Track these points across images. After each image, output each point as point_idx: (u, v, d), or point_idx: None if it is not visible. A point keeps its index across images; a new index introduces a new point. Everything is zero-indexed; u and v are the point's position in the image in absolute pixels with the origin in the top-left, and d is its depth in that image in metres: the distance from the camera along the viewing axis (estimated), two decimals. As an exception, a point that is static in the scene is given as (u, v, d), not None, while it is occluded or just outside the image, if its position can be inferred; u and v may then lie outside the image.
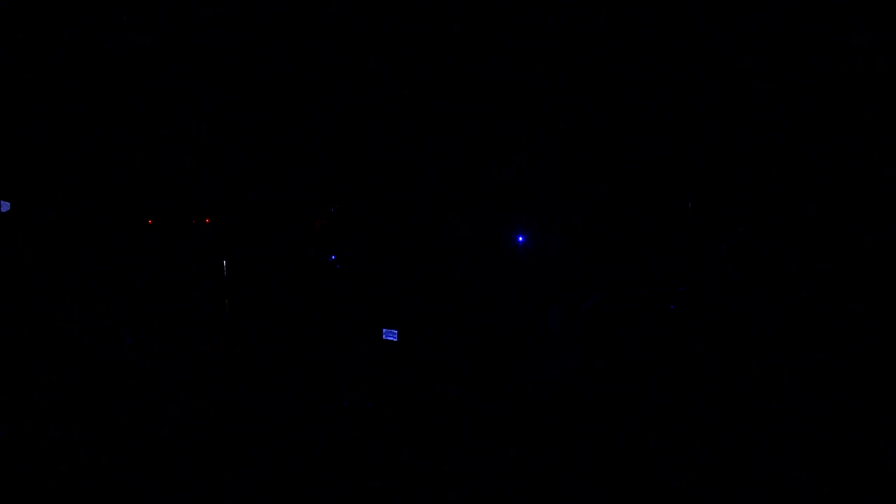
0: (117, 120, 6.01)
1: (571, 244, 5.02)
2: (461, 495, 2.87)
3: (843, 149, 5.37)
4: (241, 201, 5.41)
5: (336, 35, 6.30)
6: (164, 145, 5.84)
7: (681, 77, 6.11)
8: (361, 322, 5.32)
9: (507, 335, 4.51)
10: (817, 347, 4.72)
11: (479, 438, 2.94)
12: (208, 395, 4.56)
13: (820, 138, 5.41)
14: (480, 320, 5.12)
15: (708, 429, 3.65)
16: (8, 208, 4.88)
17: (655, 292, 5.28)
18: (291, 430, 3.35)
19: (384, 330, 5.17)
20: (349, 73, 6.34)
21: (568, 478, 2.88)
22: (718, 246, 5.30)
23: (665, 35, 6.14)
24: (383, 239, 5.90)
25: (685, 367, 4.80)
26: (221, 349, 5.17)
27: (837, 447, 3.45)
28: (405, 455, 3.20)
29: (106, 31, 5.77)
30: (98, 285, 4.80)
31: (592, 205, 4.83)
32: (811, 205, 5.04)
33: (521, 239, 4.43)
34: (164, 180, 5.78)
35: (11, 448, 3.26)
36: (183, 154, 5.63)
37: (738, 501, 2.96)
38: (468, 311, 5.25)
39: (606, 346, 5.32)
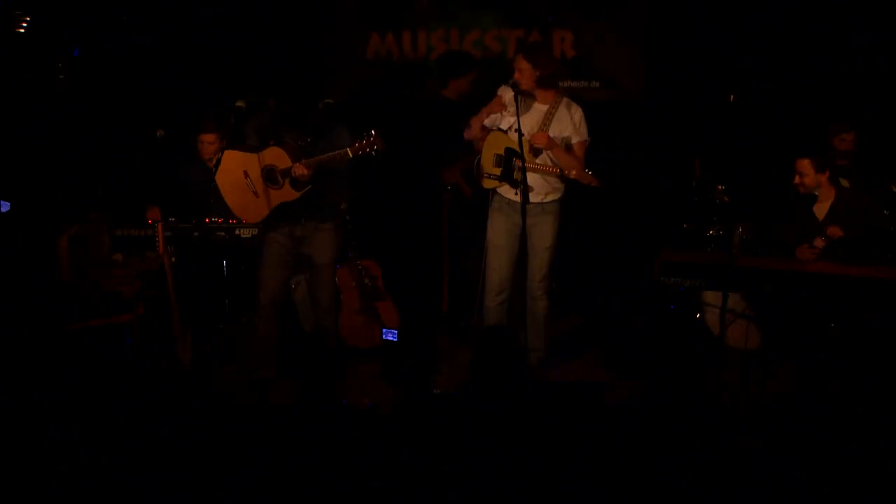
0: (117, 119, 6.01)
1: (571, 242, 5.02)
2: (461, 495, 2.87)
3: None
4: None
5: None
6: (164, 145, 5.84)
7: (680, 76, 6.12)
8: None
9: (507, 334, 4.50)
10: (818, 347, 4.72)
11: (480, 438, 2.94)
12: (207, 394, 4.56)
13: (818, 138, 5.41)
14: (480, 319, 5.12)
15: (709, 430, 3.64)
16: (8, 208, 4.88)
17: (656, 292, 5.28)
18: (291, 430, 3.34)
19: (384, 330, 5.17)
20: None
21: (568, 478, 2.88)
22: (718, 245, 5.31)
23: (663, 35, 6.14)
24: (383, 239, 5.90)
25: (686, 367, 4.81)
26: (221, 348, 5.17)
27: (840, 449, 3.44)
28: (405, 455, 3.20)
29: (106, 31, 5.78)
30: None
31: (593, 203, 4.82)
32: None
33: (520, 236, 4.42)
34: (164, 179, 5.79)
35: (11, 448, 3.26)
36: (182, 153, 5.64)
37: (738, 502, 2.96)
38: (468, 310, 5.23)
39: (607, 347, 5.33)
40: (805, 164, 4.77)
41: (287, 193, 4.32)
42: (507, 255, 4.58)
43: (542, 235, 4.55)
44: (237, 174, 4.35)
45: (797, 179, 4.80)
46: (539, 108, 4.46)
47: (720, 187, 5.26)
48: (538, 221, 4.53)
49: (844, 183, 5.12)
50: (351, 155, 4.15)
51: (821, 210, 4.82)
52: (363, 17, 6.26)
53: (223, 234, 5.01)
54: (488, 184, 4.58)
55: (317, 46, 6.32)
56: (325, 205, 4.51)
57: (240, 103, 4.41)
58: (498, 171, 4.53)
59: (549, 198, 4.53)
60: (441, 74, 5.49)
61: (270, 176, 4.32)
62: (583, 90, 6.23)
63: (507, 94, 4.41)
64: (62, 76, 5.58)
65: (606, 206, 6.40)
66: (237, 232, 4.86)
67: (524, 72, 4.36)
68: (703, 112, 5.85)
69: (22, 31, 5.06)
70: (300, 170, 4.21)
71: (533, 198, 4.43)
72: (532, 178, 4.41)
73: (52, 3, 5.24)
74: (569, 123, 4.46)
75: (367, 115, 6.31)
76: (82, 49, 5.57)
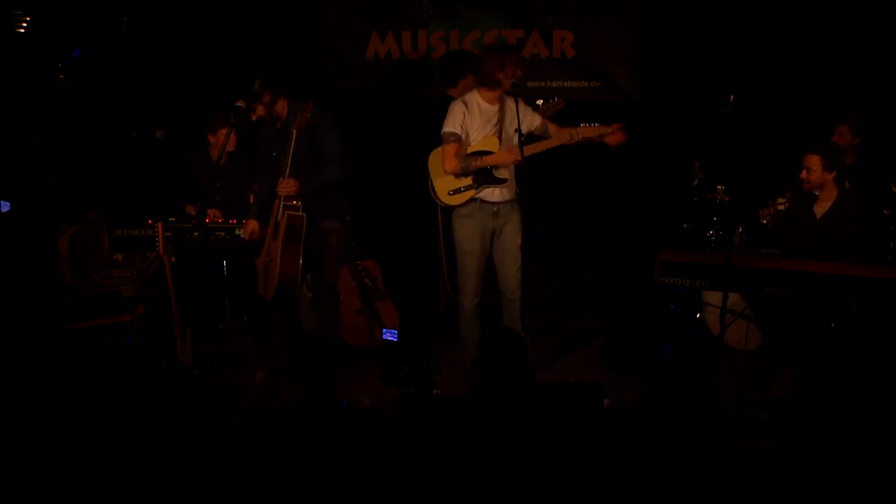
0: (117, 120, 6.01)
1: (571, 242, 5.02)
2: (461, 496, 2.87)
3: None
4: (241, 201, 5.42)
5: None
6: (164, 145, 5.84)
7: (680, 75, 6.12)
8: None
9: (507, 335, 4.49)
10: (818, 347, 4.72)
11: (479, 439, 2.94)
12: (207, 394, 4.56)
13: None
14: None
15: (709, 430, 3.64)
16: (8, 208, 4.88)
17: (656, 292, 5.28)
18: (291, 430, 3.34)
19: (384, 330, 5.16)
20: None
21: (568, 479, 2.88)
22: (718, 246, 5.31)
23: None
24: (384, 239, 5.90)
25: (686, 367, 4.79)
26: (221, 348, 5.17)
27: (840, 449, 3.44)
28: (405, 455, 3.20)
29: (106, 31, 5.78)
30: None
31: (593, 203, 4.83)
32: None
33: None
34: (163, 180, 5.79)
35: (11, 448, 3.26)
36: (181, 153, 5.64)
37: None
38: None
39: (608, 347, 5.33)
40: (814, 160, 4.61)
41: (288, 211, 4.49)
42: (482, 259, 4.69)
43: (514, 234, 4.59)
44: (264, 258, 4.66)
45: (803, 175, 4.65)
46: (493, 109, 4.55)
47: (720, 187, 5.26)
48: (510, 220, 4.62)
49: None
50: None
51: (820, 209, 4.77)
52: (363, 17, 6.26)
53: (223, 234, 5.02)
54: (459, 199, 4.63)
55: (317, 46, 6.31)
56: (327, 198, 4.52)
57: (240, 103, 4.40)
58: (468, 181, 4.58)
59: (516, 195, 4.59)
60: (449, 73, 5.49)
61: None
62: (583, 90, 6.22)
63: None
64: (62, 76, 5.58)
65: (606, 205, 6.41)
66: (237, 232, 4.87)
67: (517, 74, 4.45)
68: (703, 111, 5.85)
69: (22, 31, 5.06)
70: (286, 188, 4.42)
71: (506, 195, 4.57)
72: (504, 173, 4.53)
73: (52, 3, 5.23)
74: (528, 112, 4.59)
75: (367, 115, 6.32)
76: (82, 49, 5.57)
